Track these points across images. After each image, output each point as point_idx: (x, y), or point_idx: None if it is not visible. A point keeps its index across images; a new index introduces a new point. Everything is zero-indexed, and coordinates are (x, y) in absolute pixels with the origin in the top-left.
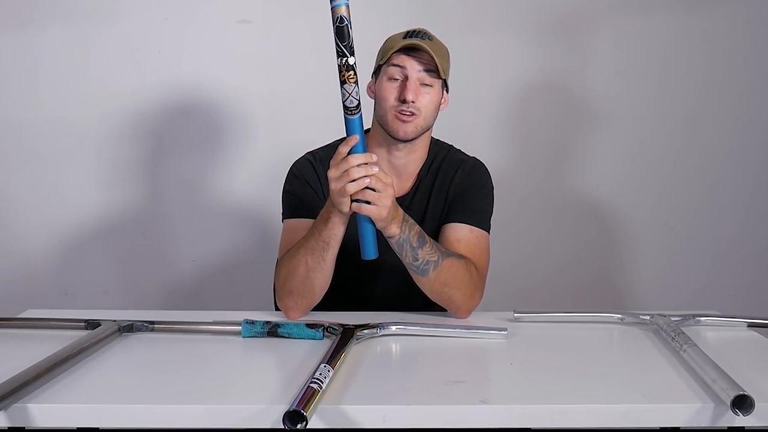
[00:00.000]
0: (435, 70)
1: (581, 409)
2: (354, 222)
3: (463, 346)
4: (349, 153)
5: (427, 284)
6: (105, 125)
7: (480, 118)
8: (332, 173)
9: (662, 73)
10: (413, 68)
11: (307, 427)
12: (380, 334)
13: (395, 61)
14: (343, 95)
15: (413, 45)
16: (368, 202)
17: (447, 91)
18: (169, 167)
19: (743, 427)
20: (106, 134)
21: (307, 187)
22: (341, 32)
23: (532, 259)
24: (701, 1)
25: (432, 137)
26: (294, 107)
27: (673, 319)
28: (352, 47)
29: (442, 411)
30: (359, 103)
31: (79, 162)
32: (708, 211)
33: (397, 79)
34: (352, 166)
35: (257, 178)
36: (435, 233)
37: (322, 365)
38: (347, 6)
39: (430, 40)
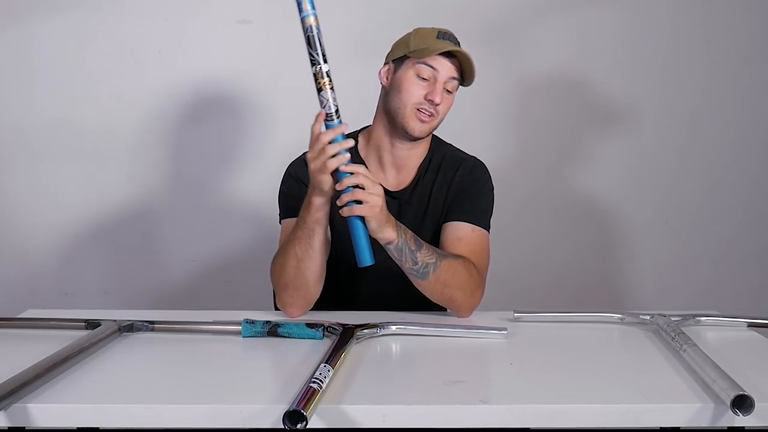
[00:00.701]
0: (459, 78)
1: (581, 409)
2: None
3: (463, 346)
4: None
5: (428, 287)
6: (105, 125)
7: (480, 118)
8: (310, 155)
9: (663, 74)
10: (445, 73)
11: (307, 426)
12: (380, 333)
13: (430, 62)
14: (321, 102)
15: (452, 51)
16: (359, 202)
17: None
18: (168, 167)
19: (743, 427)
20: (106, 134)
21: (303, 187)
22: (312, 41)
23: (532, 260)
24: (702, 1)
25: (433, 135)
26: (293, 107)
27: (673, 319)
28: (324, 54)
29: (442, 411)
30: (338, 109)
31: (78, 162)
32: (708, 212)
33: (426, 79)
34: (327, 142)
35: (257, 178)
36: (436, 230)
37: (322, 365)
38: (315, 16)
39: (459, 45)
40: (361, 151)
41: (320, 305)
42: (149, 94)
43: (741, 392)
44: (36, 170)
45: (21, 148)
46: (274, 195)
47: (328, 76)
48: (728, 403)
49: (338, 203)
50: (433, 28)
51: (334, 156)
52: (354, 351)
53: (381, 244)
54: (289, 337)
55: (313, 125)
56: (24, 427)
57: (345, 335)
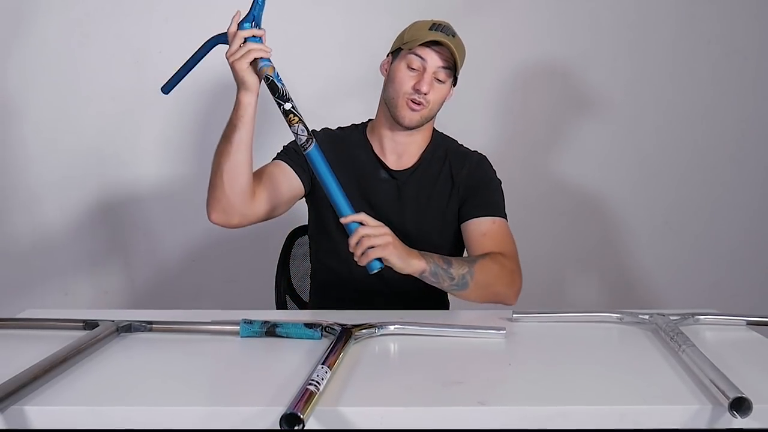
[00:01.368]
0: (452, 67)
1: (579, 410)
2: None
3: (462, 346)
4: (239, 29)
5: (471, 294)
6: (105, 125)
7: (480, 118)
8: (229, 51)
9: (664, 74)
10: (433, 63)
11: (304, 429)
12: (378, 333)
13: (418, 52)
14: (294, 135)
15: (438, 40)
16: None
17: (454, 84)
18: (168, 167)
19: (741, 429)
20: (106, 134)
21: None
22: (272, 87)
23: (531, 259)
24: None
25: (434, 129)
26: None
27: (672, 318)
28: (286, 95)
29: (440, 413)
30: (309, 136)
31: (78, 162)
32: (708, 212)
33: (416, 69)
34: (244, 36)
35: None
36: (441, 213)
37: (320, 366)
38: (272, 66)
39: (453, 36)
40: (368, 137)
41: (321, 304)
42: (149, 94)
43: (739, 394)
44: (36, 170)
45: (21, 148)
46: None
47: (292, 111)
48: (726, 405)
49: (355, 259)
50: (429, 20)
51: (254, 50)
52: (352, 351)
53: (417, 276)
54: (287, 337)
55: (229, 27)
56: (21, 430)
57: (343, 335)
